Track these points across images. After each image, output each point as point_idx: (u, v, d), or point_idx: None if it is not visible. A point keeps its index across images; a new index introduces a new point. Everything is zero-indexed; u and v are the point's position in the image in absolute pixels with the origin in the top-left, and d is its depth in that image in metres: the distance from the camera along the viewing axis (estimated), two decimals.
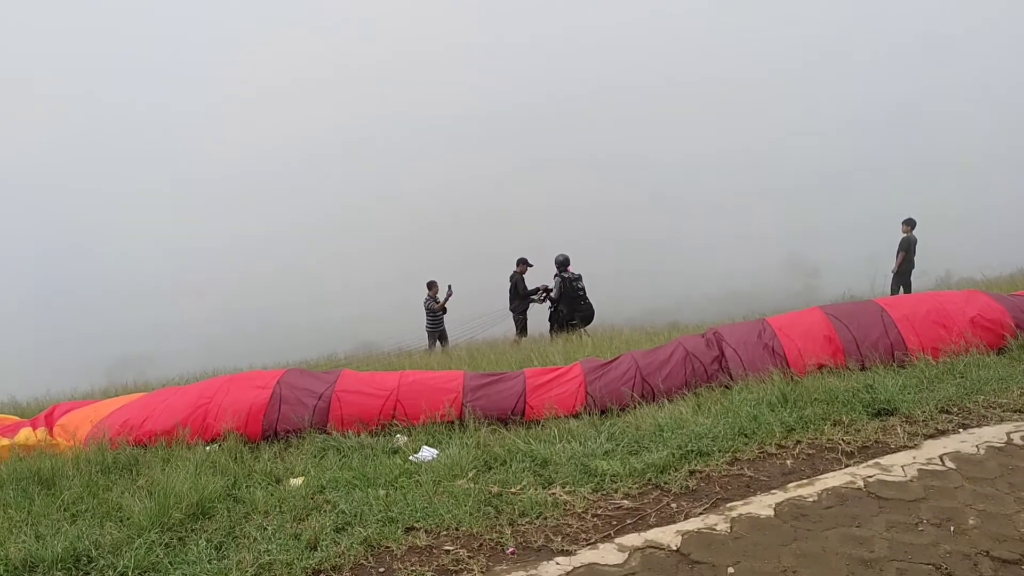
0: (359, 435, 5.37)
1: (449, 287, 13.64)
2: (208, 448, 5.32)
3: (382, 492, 4.13)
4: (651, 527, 3.52)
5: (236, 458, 5.01)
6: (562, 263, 12.68)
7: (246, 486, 4.46)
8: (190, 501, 4.06)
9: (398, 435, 5.36)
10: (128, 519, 3.95)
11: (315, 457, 5.02)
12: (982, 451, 4.07)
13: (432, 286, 13.72)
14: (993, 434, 4.30)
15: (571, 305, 12.45)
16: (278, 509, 4.04)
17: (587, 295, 12.60)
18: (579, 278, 12.59)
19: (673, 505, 3.74)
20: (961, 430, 4.42)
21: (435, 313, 13.69)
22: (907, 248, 12.76)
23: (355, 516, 3.82)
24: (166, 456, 5.12)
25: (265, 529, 3.76)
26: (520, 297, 13.25)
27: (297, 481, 4.50)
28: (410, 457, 4.80)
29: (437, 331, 13.80)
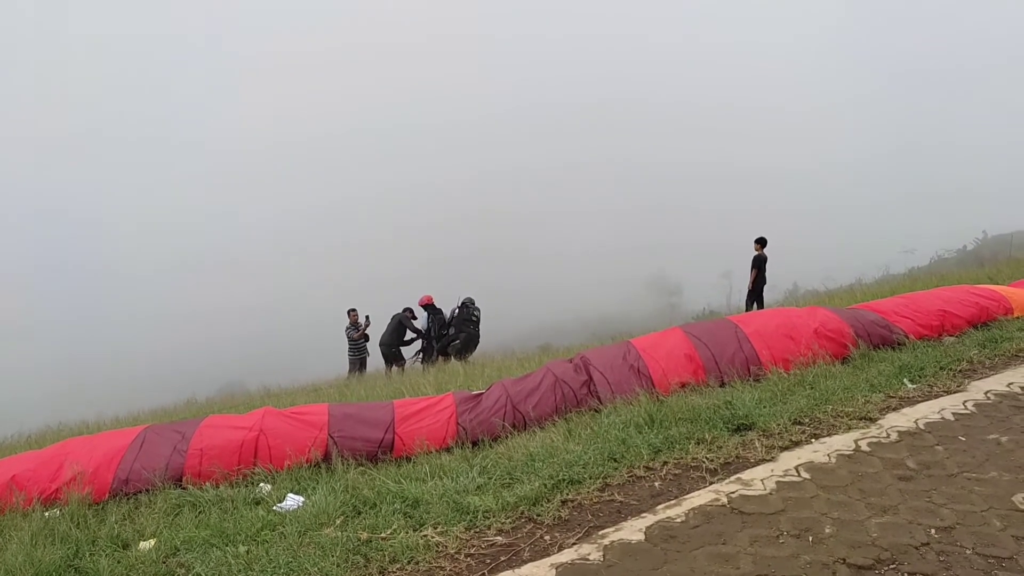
0: (218, 487, 5.03)
1: (367, 317, 14.15)
2: (47, 514, 4.83)
3: (243, 549, 3.86)
4: (525, 562, 3.47)
5: (79, 523, 4.57)
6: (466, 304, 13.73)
7: (90, 554, 4.08)
8: None
9: (261, 484, 5.07)
10: None
11: (168, 515, 4.65)
12: (833, 460, 4.29)
13: (351, 314, 14.03)
14: (842, 442, 4.54)
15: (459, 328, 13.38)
16: None
17: (464, 326, 13.39)
18: (464, 306, 13.49)
19: (547, 537, 3.71)
20: (813, 440, 4.64)
21: (356, 341, 14.02)
22: (760, 265, 13.40)
23: None
24: None
25: None
26: (400, 336, 13.72)
27: (147, 544, 4.14)
28: (274, 507, 4.54)
29: (359, 358, 14.10)
